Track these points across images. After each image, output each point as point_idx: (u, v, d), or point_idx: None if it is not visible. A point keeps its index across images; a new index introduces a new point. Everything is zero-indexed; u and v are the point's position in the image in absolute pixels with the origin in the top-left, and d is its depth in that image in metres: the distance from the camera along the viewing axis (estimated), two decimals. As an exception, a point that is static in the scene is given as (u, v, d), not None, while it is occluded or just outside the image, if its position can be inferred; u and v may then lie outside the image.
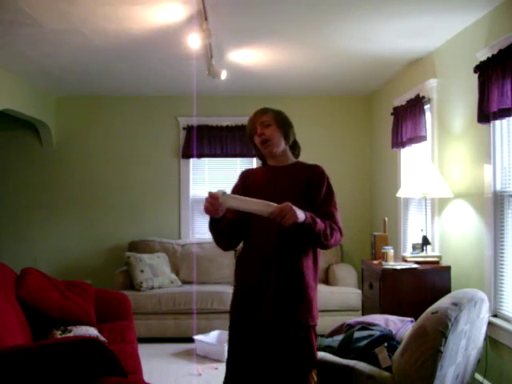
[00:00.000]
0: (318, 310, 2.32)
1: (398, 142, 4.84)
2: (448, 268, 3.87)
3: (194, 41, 3.53)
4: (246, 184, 2.40)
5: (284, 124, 2.39)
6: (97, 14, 3.51)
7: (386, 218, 4.70)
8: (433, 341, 2.36)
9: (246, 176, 2.46)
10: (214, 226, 2.28)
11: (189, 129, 6.06)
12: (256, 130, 2.35)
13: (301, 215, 2.09)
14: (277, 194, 2.26)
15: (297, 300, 2.23)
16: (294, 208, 2.06)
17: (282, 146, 2.38)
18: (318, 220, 2.17)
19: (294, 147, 2.48)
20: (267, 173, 2.40)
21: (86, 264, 6.05)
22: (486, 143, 3.47)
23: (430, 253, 4.15)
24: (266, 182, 2.35)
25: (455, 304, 2.49)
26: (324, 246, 2.25)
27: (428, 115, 4.37)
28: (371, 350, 2.67)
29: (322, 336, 3.18)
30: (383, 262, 4.01)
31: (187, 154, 6.06)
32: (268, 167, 2.44)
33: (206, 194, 2.16)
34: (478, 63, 3.36)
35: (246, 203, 2.09)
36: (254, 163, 6.13)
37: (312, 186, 2.32)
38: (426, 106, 4.38)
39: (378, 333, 2.82)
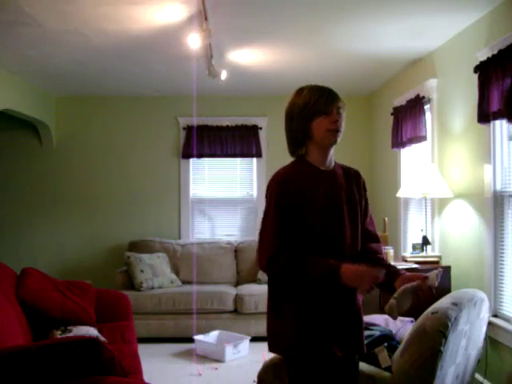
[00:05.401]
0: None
1: (398, 142, 4.84)
2: (448, 268, 3.86)
3: (194, 41, 3.53)
4: (297, 198, 1.89)
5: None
6: (97, 14, 3.51)
7: (386, 218, 4.69)
8: (433, 341, 2.36)
9: (289, 186, 1.90)
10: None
11: (189, 129, 6.06)
12: (331, 112, 1.97)
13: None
14: (335, 210, 1.94)
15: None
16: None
17: None
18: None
19: None
20: (318, 180, 1.95)
21: (85, 264, 6.06)
22: (486, 143, 3.47)
23: (430, 253, 4.15)
24: (323, 194, 1.93)
25: (455, 304, 2.49)
26: None
27: (428, 115, 4.37)
28: (371, 350, 2.67)
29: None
30: (383, 262, 4.01)
31: (187, 153, 6.06)
32: (315, 170, 1.98)
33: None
34: (478, 63, 3.36)
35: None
36: (254, 163, 6.13)
37: (360, 198, 2.08)
38: (426, 106, 4.38)
39: (377, 333, 2.82)
